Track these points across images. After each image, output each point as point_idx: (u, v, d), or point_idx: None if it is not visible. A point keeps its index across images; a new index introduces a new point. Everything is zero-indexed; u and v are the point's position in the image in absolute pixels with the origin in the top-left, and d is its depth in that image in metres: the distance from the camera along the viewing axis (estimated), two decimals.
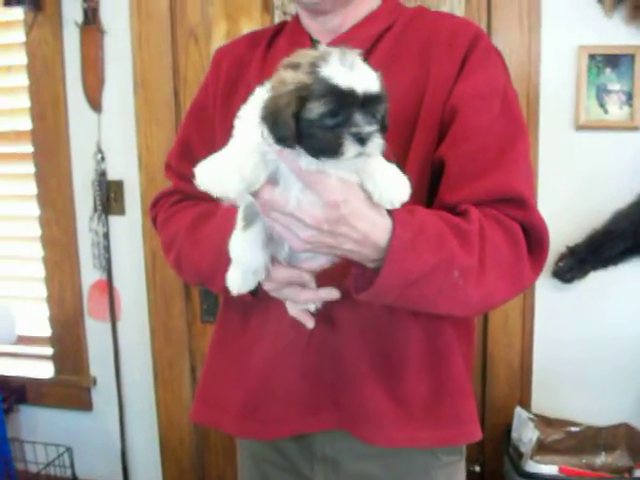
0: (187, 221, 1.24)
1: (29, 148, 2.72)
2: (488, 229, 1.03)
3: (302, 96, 0.80)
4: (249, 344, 1.24)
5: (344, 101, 0.79)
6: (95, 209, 2.64)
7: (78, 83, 2.61)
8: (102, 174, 2.62)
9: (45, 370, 2.86)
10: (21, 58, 2.67)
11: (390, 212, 0.94)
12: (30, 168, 2.73)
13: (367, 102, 0.81)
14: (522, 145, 1.13)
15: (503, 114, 1.12)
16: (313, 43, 1.23)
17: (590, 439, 2.23)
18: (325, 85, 0.79)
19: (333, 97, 0.79)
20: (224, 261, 1.06)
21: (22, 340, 2.84)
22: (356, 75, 0.80)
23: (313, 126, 0.80)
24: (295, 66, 0.83)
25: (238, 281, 1.04)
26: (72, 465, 2.75)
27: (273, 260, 1.03)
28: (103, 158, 2.61)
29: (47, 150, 2.69)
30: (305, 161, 0.84)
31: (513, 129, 1.12)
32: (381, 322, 1.15)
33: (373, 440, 1.17)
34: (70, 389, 2.84)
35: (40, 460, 2.72)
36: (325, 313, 1.13)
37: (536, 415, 2.31)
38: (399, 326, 1.16)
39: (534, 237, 1.08)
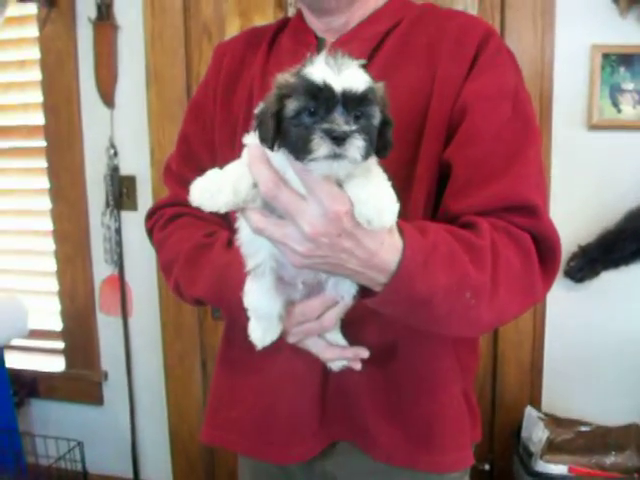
0: (185, 249, 1.19)
1: (42, 143, 2.73)
2: (500, 244, 0.97)
3: (283, 94, 0.78)
4: (259, 364, 1.22)
5: (322, 98, 0.76)
6: (107, 204, 2.65)
7: (91, 78, 2.62)
8: (114, 169, 2.63)
9: (56, 364, 2.88)
10: (34, 53, 2.67)
11: (401, 231, 0.88)
12: (43, 163, 2.74)
13: (349, 102, 0.76)
14: (533, 150, 1.07)
15: (514, 117, 1.08)
16: (319, 41, 1.20)
17: (600, 439, 2.22)
18: (303, 82, 0.77)
19: (310, 94, 0.76)
20: (224, 294, 1.07)
21: (34, 334, 2.85)
22: (340, 74, 0.76)
23: (290, 124, 0.78)
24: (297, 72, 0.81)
25: (259, 334, 1.01)
26: (83, 459, 2.76)
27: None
28: (116, 153, 2.63)
29: (60, 145, 2.70)
30: (278, 159, 0.82)
31: (524, 133, 1.07)
32: (383, 342, 1.13)
33: (373, 453, 1.17)
34: (81, 383, 2.86)
35: (51, 454, 2.73)
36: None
37: (546, 414, 2.31)
38: (403, 350, 1.14)
39: (545, 247, 1.02)
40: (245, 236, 0.93)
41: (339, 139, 0.75)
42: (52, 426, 2.90)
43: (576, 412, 2.33)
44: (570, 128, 2.25)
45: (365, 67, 1.07)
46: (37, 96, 2.71)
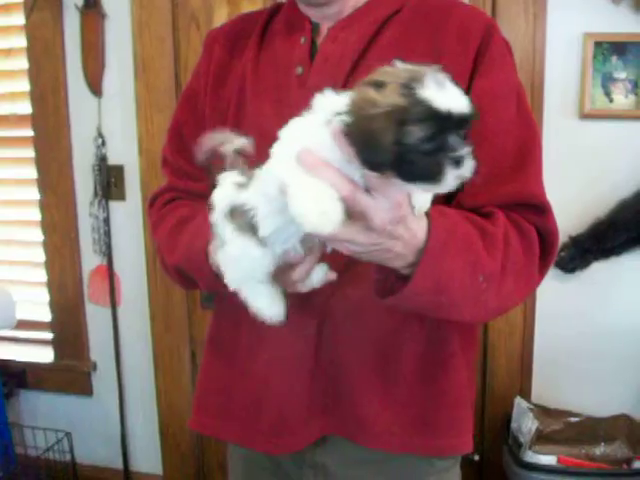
0: (171, 223, 1.22)
1: (29, 132, 2.71)
2: (510, 234, 1.02)
3: (400, 119, 0.74)
4: (247, 350, 1.21)
5: (443, 125, 0.75)
6: (95, 194, 2.64)
7: (79, 67, 2.59)
8: (102, 159, 2.61)
9: (45, 355, 2.87)
10: (21, 41, 2.64)
11: (427, 212, 0.90)
12: (30, 152, 2.72)
13: (462, 123, 0.77)
14: (538, 147, 1.12)
15: (519, 114, 1.10)
16: (314, 27, 1.19)
17: (589, 430, 2.22)
18: (425, 108, 0.74)
19: (433, 121, 0.75)
20: (197, 257, 1.07)
21: (22, 325, 2.84)
22: (451, 97, 0.76)
23: (411, 151, 0.75)
24: (379, 85, 0.77)
25: (266, 304, 0.99)
26: (71, 450, 2.76)
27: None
28: (104, 143, 2.60)
29: (47, 134, 2.68)
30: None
31: (529, 130, 1.10)
32: (383, 329, 1.13)
33: (366, 442, 1.15)
34: (70, 374, 2.85)
35: (40, 445, 2.72)
36: (327, 320, 1.12)
37: (536, 405, 2.30)
38: (401, 334, 1.14)
39: (546, 242, 1.07)
40: (270, 225, 0.89)
41: (460, 162, 0.77)
42: (41, 417, 2.89)
43: (566, 403, 2.33)
44: (562, 117, 2.24)
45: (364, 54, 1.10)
46: (24, 85, 2.68)
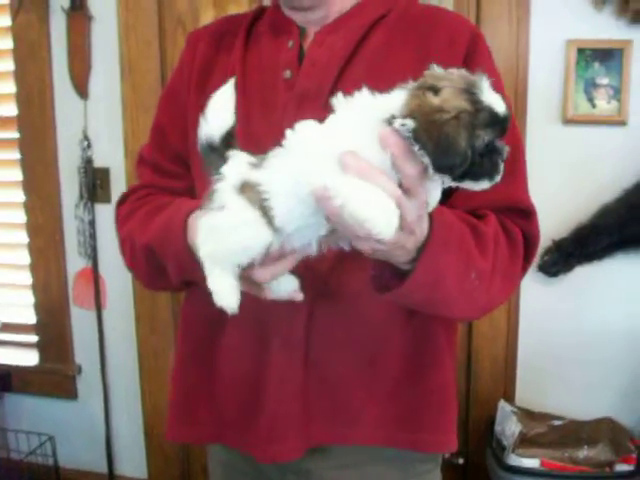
0: (145, 211, 1.19)
1: (15, 134, 2.70)
2: (500, 235, 1.05)
3: (470, 124, 0.79)
4: (229, 353, 1.19)
5: (500, 129, 0.81)
6: (81, 196, 2.63)
7: (65, 69, 2.59)
8: (88, 161, 2.60)
9: (30, 358, 2.85)
10: (7, 43, 2.64)
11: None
12: (16, 154, 2.71)
13: (506, 126, 0.83)
14: (523, 153, 1.15)
15: None
16: (301, 31, 1.19)
17: (573, 433, 2.23)
18: (490, 114, 0.80)
19: (496, 125, 0.80)
20: (174, 237, 1.04)
21: (7, 328, 2.83)
22: (500, 102, 0.81)
23: (477, 154, 0.80)
24: (436, 90, 0.80)
25: (225, 289, 0.93)
26: (54, 454, 2.74)
27: None
28: (89, 145, 2.60)
29: (33, 136, 2.67)
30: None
31: (516, 137, 1.12)
32: (369, 328, 1.13)
33: (351, 439, 1.15)
34: (55, 377, 2.83)
35: (23, 449, 2.71)
36: (313, 319, 1.11)
37: (519, 408, 2.31)
38: (388, 332, 1.14)
39: (529, 244, 1.11)
40: (291, 222, 0.88)
41: (503, 161, 0.84)
42: (26, 420, 2.88)
43: (549, 406, 2.35)
44: (545, 122, 2.25)
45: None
46: (9, 87, 2.67)
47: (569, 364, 2.36)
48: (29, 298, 2.81)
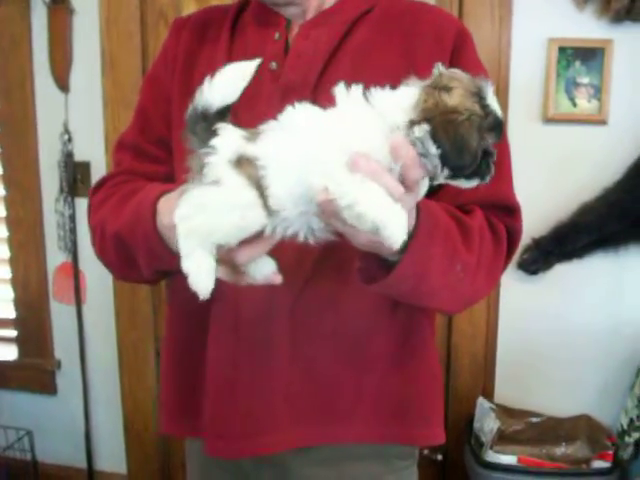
0: (119, 196, 1.16)
1: None
2: (484, 229, 1.06)
3: (479, 127, 0.82)
4: (215, 345, 1.17)
5: (499, 133, 0.85)
6: (61, 190, 2.61)
7: (45, 63, 2.57)
8: (69, 155, 2.58)
9: (9, 353, 2.83)
10: None
11: None
12: None
13: None
14: (509, 150, 1.17)
15: None
16: (287, 23, 1.18)
17: (551, 430, 2.25)
18: (494, 118, 0.83)
19: (497, 130, 0.84)
20: (141, 224, 1.01)
21: None
22: (499, 108, 0.85)
23: (481, 155, 0.83)
24: (447, 89, 0.82)
25: (199, 270, 0.87)
26: (32, 449, 2.73)
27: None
28: (70, 139, 2.58)
29: (13, 130, 2.65)
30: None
31: (504, 134, 1.13)
32: (354, 318, 1.13)
33: (342, 438, 1.15)
34: (34, 372, 2.82)
35: (1, 444, 2.70)
36: (298, 312, 1.10)
37: (498, 405, 2.32)
38: (373, 323, 1.14)
39: (512, 239, 1.13)
40: (286, 207, 0.84)
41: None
42: (5, 415, 2.85)
43: (528, 403, 2.36)
44: (526, 121, 2.26)
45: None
46: None
47: (548, 361, 2.38)
48: (8, 292, 2.79)
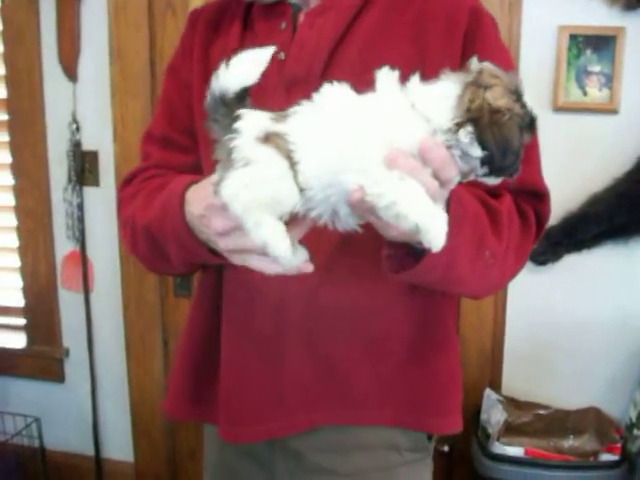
0: (149, 189, 1.16)
1: (4, 116, 2.69)
2: (513, 213, 1.05)
3: (520, 126, 0.81)
4: (232, 335, 1.18)
5: (533, 132, 0.84)
6: (69, 179, 2.62)
7: (54, 51, 2.57)
8: (77, 144, 2.59)
9: (18, 340, 2.85)
10: None
11: None
12: (4, 137, 2.70)
13: None
14: (537, 136, 1.10)
15: None
16: (295, 11, 1.15)
17: (558, 422, 2.23)
18: (531, 118, 0.82)
19: (532, 130, 0.83)
20: (171, 216, 1.00)
21: None
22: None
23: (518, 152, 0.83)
24: (485, 86, 0.80)
25: (275, 232, 0.84)
26: (40, 436, 2.75)
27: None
28: (78, 128, 2.58)
29: (22, 119, 2.66)
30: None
31: None
32: (371, 308, 1.12)
33: (356, 420, 1.14)
34: (42, 360, 2.84)
35: (9, 430, 2.71)
36: (310, 301, 1.09)
37: (505, 397, 2.31)
38: (391, 313, 1.13)
39: (538, 223, 1.11)
40: (313, 188, 0.82)
41: None
42: (13, 403, 2.88)
43: (535, 395, 2.34)
44: (535, 109, 2.23)
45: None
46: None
47: (556, 353, 2.36)
48: (17, 281, 2.81)
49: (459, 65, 1.01)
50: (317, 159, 0.81)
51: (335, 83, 0.84)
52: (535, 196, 1.10)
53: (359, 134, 0.79)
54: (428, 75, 0.89)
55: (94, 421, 2.82)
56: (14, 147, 2.69)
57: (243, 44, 1.16)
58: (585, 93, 2.20)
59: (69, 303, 2.77)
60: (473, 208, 0.97)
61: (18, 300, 2.84)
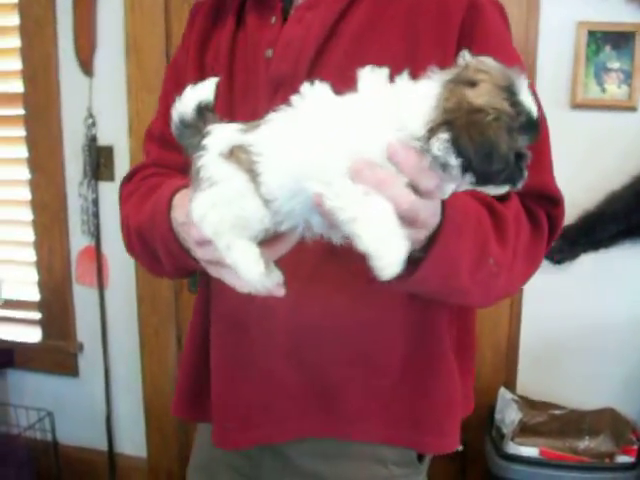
0: (143, 190, 1.15)
1: (20, 111, 2.70)
2: (521, 216, 0.99)
3: (510, 127, 0.70)
4: (212, 339, 1.18)
5: (534, 134, 0.74)
6: (85, 174, 2.62)
7: (70, 46, 2.58)
8: (92, 139, 2.60)
9: (33, 335, 2.86)
10: (14, 19, 2.63)
11: None
12: (20, 132, 2.71)
13: None
14: (549, 138, 1.06)
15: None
16: (285, 5, 1.11)
17: (574, 423, 2.20)
18: (528, 118, 0.71)
19: (532, 131, 0.73)
20: (158, 223, 0.99)
21: (10, 304, 2.85)
22: (535, 105, 0.73)
23: (512, 159, 0.72)
24: (470, 83, 0.71)
25: (245, 256, 0.81)
26: (53, 429, 2.76)
27: None
28: (94, 123, 2.59)
29: (38, 113, 2.67)
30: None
31: (543, 122, 1.01)
32: (367, 322, 1.08)
33: (347, 434, 1.11)
34: (57, 354, 2.85)
35: (23, 424, 2.73)
36: (297, 309, 1.06)
37: (520, 397, 2.29)
38: (383, 326, 1.08)
39: (553, 226, 1.05)
40: (279, 200, 0.78)
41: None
42: (28, 396, 2.89)
43: (550, 395, 2.32)
44: (553, 106, 2.20)
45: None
46: (16, 63, 2.67)
47: (572, 353, 2.33)
48: (32, 275, 2.82)
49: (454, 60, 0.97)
50: (280, 168, 0.76)
51: (314, 84, 0.77)
52: (548, 201, 1.03)
53: (325, 141, 0.73)
54: (419, 73, 0.82)
55: (107, 416, 2.83)
56: (30, 141, 2.70)
57: (235, 41, 1.13)
58: (604, 90, 2.18)
59: (84, 298, 2.77)
60: (475, 214, 0.91)
61: (33, 294, 2.85)
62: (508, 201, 0.98)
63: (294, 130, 0.75)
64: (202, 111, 0.86)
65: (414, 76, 0.76)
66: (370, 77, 0.75)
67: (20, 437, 2.61)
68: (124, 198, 1.22)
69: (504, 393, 2.30)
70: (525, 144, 0.73)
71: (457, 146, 0.69)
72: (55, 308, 2.81)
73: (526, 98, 0.71)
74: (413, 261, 0.85)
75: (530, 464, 2.09)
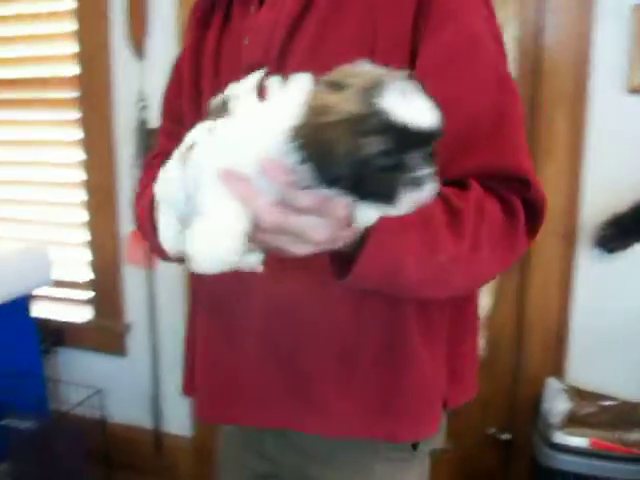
0: (143, 185, 1.22)
1: (74, 94, 2.75)
2: (487, 203, 0.94)
3: (356, 130, 0.65)
4: (199, 328, 1.22)
5: (402, 140, 0.66)
6: (136, 157, 2.65)
7: (123, 30, 2.61)
8: (143, 122, 2.62)
9: (83, 314, 2.92)
10: (72, 3, 2.68)
11: None
12: (71, 114, 2.77)
13: (426, 140, 0.68)
14: (518, 113, 0.99)
15: (492, 73, 0.97)
16: None
17: (625, 415, 2.16)
18: (382, 120, 0.65)
19: (392, 135, 0.66)
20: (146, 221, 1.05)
21: (61, 284, 2.90)
22: (415, 109, 0.67)
23: (365, 166, 0.66)
24: (338, 87, 0.68)
25: (168, 232, 0.92)
26: (101, 407, 2.80)
27: None
28: (145, 106, 2.61)
29: (92, 96, 2.71)
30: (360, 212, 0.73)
31: (506, 94, 0.98)
32: (337, 315, 1.06)
33: (315, 429, 1.10)
34: (106, 334, 2.90)
35: (73, 401, 2.77)
36: (278, 304, 1.07)
37: (569, 386, 2.25)
38: (356, 320, 1.06)
39: (533, 210, 0.99)
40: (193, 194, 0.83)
41: (419, 185, 0.69)
42: (77, 374, 2.94)
43: (602, 386, 2.27)
44: (609, 91, 2.16)
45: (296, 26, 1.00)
46: (71, 47, 2.71)
47: (624, 343, 2.28)
48: (82, 255, 2.87)
49: (411, 40, 0.94)
50: (194, 166, 0.80)
51: (249, 80, 0.81)
52: (518, 183, 0.96)
53: (217, 144, 0.76)
54: (379, 56, 0.82)
55: (154, 395, 2.87)
56: (85, 123, 2.74)
57: (222, 37, 1.13)
58: None
59: (133, 278, 2.81)
60: (420, 214, 0.80)
61: (84, 274, 2.91)
62: (466, 193, 0.93)
63: (212, 133, 0.79)
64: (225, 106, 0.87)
65: (374, 58, 0.73)
66: (274, 85, 0.76)
67: (70, 414, 2.66)
68: (138, 185, 1.30)
69: (552, 382, 2.27)
70: (390, 148, 0.66)
71: (301, 151, 0.67)
72: (106, 288, 2.86)
73: (387, 100, 0.66)
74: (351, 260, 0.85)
75: (578, 454, 2.05)
